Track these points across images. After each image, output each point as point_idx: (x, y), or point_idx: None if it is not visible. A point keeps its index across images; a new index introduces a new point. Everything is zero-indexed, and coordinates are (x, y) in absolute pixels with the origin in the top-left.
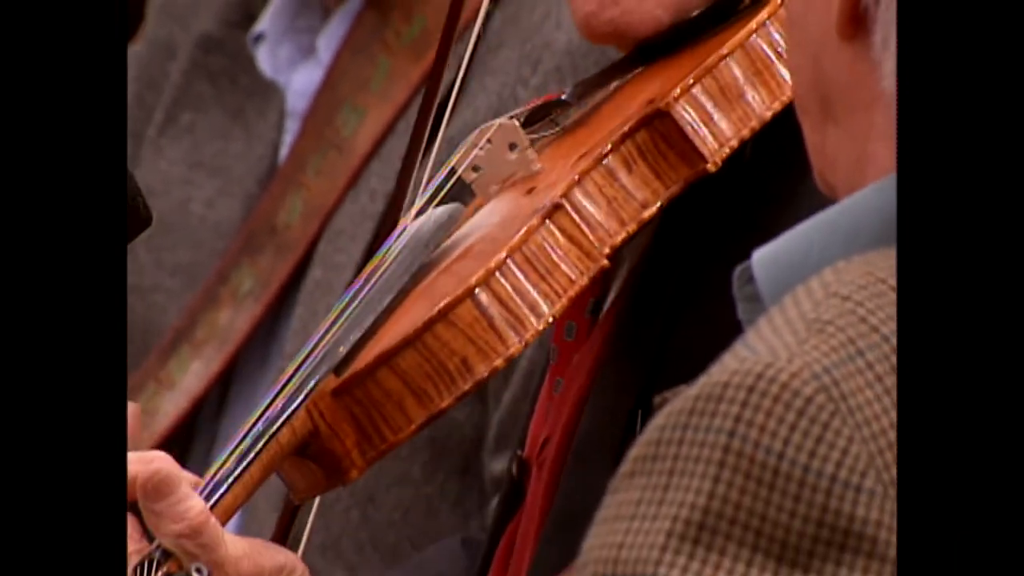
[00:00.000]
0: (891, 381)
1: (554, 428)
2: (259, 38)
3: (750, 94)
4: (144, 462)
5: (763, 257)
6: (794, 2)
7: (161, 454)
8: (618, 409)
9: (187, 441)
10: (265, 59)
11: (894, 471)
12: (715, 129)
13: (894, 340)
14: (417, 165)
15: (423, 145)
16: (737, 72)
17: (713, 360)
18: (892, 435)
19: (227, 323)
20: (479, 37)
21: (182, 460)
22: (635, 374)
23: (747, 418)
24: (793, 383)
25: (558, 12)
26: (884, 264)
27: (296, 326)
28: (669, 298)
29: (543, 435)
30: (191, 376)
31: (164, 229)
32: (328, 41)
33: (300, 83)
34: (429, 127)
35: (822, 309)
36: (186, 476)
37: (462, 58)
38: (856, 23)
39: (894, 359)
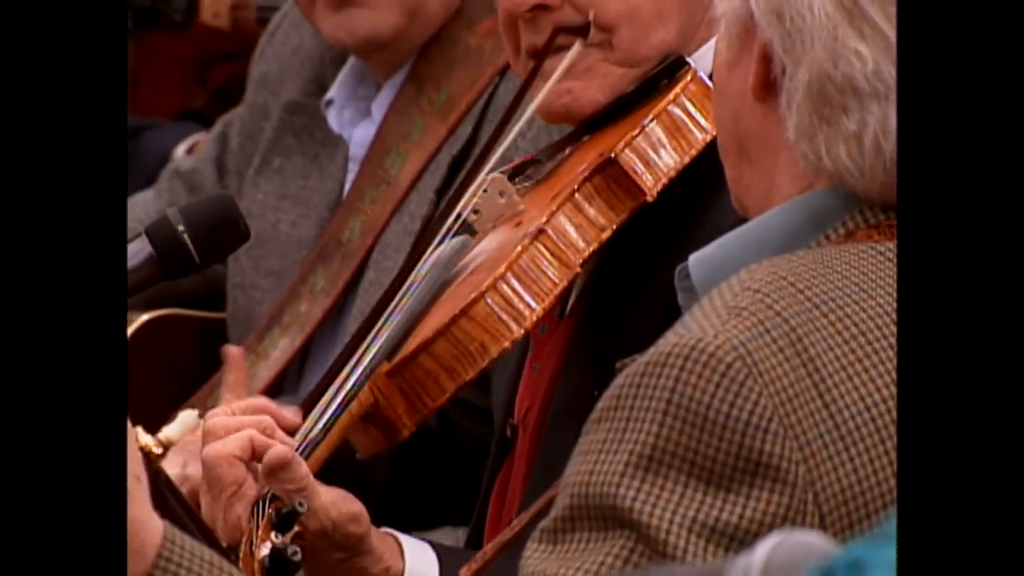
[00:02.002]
0: (791, 351)
1: (534, 400)
2: (329, 103)
3: (672, 146)
4: (269, 440)
5: (697, 259)
6: (720, 73)
7: (285, 439)
8: (581, 386)
9: (275, 397)
10: (333, 119)
11: (793, 418)
12: (651, 171)
13: (793, 321)
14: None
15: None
16: (662, 130)
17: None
18: (791, 391)
19: (306, 312)
20: (490, 101)
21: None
22: (592, 361)
23: (684, 379)
24: (717, 353)
25: None
26: (785, 266)
27: (355, 314)
28: (614, 305)
29: (526, 405)
30: (279, 351)
31: (260, 243)
32: (379, 106)
33: (359, 136)
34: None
35: (739, 299)
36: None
37: (477, 119)
38: (767, 88)
39: (792, 336)
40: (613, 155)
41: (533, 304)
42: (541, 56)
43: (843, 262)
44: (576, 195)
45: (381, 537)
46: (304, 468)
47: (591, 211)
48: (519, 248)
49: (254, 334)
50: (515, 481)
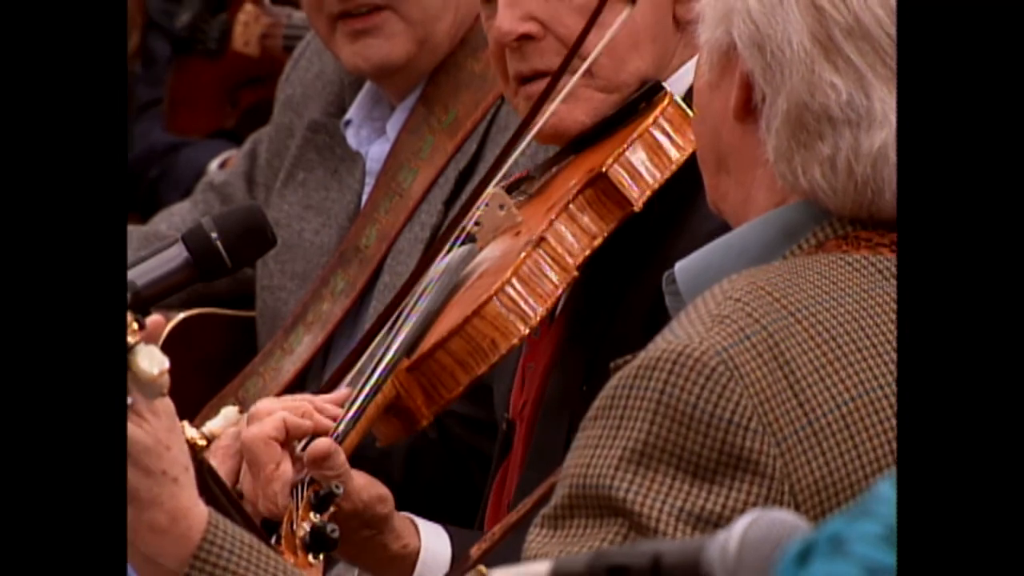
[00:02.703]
0: (768, 356)
1: (528, 395)
2: (348, 123)
3: (654, 162)
4: (301, 421)
5: (682, 267)
6: (702, 93)
7: (322, 420)
8: (571, 382)
9: (300, 388)
10: (352, 137)
11: (770, 416)
12: (637, 184)
13: (770, 328)
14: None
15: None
16: (645, 149)
17: (631, 348)
18: (769, 392)
19: (327, 311)
20: (492, 121)
21: None
22: (581, 359)
23: (672, 381)
24: (702, 358)
25: None
26: (763, 276)
27: (372, 313)
28: (600, 308)
29: (522, 401)
30: (304, 346)
31: (286, 249)
32: (393, 125)
33: (375, 153)
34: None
35: (721, 307)
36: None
37: (482, 137)
38: (747, 111)
39: (770, 341)
40: (604, 169)
41: (536, 305)
42: (557, 75)
43: (815, 272)
44: (571, 206)
45: (401, 518)
46: (343, 457)
47: (585, 220)
48: (523, 254)
49: (281, 331)
50: (512, 468)
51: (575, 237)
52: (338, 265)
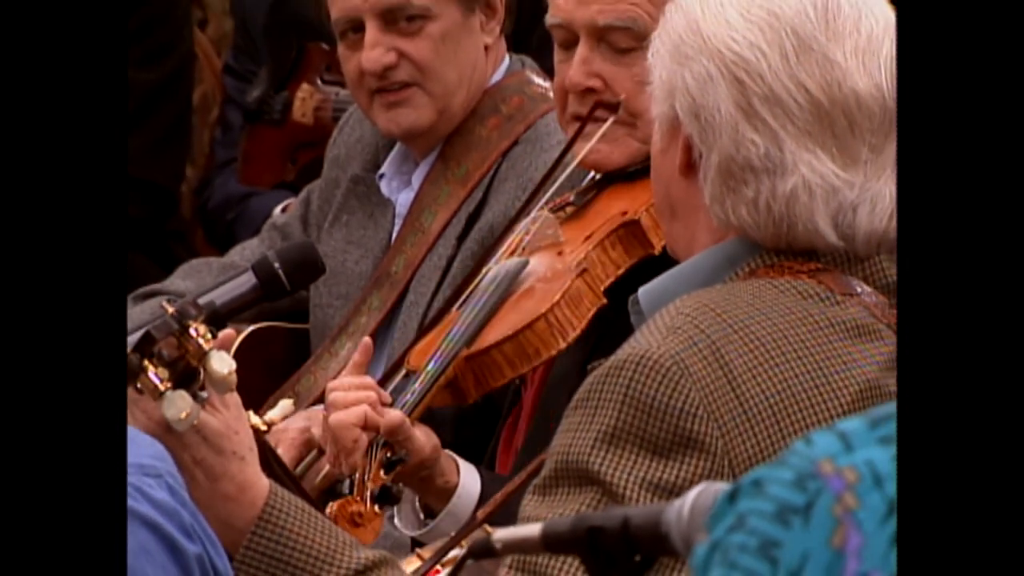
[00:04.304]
0: (712, 358)
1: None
2: (382, 176)
3: None
4: (377, 416)
5: (644, 291)
6: (656, 158)
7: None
8: (574, 361)
9: None
10: (384, 187)
11: (713, 406)
12: (659, 231)
13: (713, 336)
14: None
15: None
16: None
17: (626, 337)
18: (712, 387)
19: (365, 323)
20: (495, 174)
21: None
22: (585, 343)
23: (636, 379)
24: (660, 360)
25: (536, 160)
26: (707, 296)
27: (399, 325)
28: (603, 307)
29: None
30: (346, 351)
31: (332, 275)
32: (417, 177)
33: (403, 199)
34: (467, 221)
35: (675, 320)
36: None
37: (487, 186)
38: (689, 168)
39: (713, 347)
40: (637, 217)
41: (575, 323)
42: (583, 123)
43: (749, 293)
44: (606, 241)
45: (446, 457)
46: (408, 426)
47: (614, 254)
48: (568, 282)
49: (328, 339)
50: (521, 422)
51: (604, 267)
52: (373, 287)
